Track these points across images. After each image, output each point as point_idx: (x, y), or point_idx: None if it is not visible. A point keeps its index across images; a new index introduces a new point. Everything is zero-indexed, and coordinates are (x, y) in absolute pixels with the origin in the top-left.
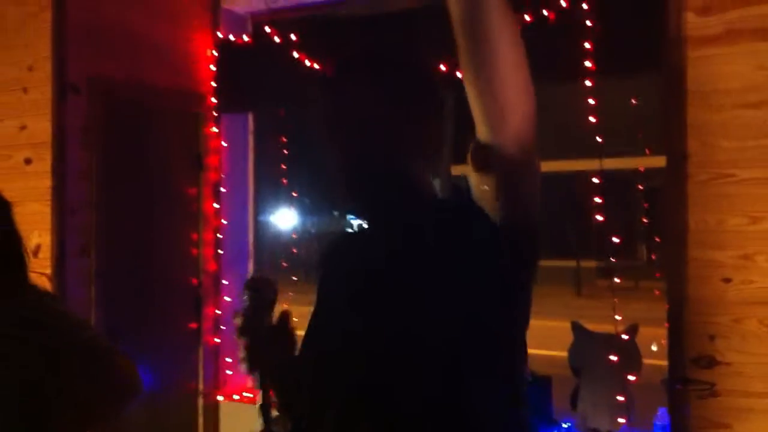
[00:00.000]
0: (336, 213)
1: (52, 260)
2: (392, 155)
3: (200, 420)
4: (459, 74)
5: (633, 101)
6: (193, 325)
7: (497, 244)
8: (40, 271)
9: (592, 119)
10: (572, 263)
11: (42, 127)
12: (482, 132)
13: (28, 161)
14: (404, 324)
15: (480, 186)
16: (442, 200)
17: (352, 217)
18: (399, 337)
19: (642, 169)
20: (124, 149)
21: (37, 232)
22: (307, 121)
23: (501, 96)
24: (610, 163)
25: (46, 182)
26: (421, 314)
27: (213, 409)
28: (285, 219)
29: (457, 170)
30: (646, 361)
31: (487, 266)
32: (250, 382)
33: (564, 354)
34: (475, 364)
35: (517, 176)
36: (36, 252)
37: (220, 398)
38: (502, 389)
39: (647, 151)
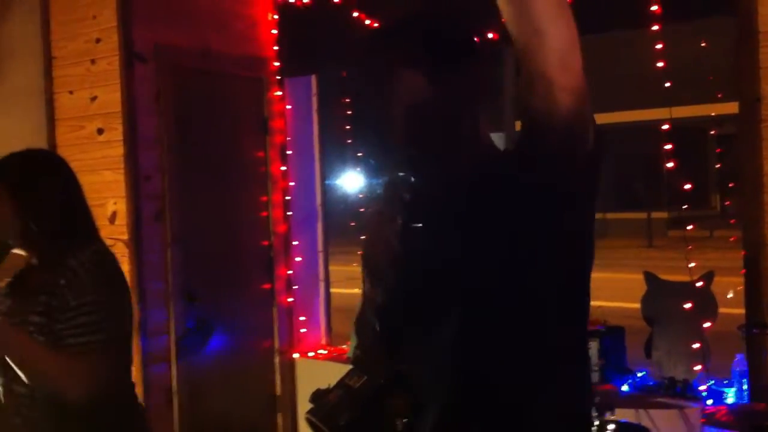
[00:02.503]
0: (401, 174)
1: (128, 226)
2: (454, 112)
3: (277, 377)
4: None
5: (703, 45)
6: (266, 286)
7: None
8: (118, 237)
9: (660, 65)
10: (642, 215)
11: (112, 97)
12: (520, 59)
13: (100, 131)
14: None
15: None
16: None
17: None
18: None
19: (714, 114)
20: (193, 116)
21: (112, 200)
22: (369, 81)
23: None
24: (681, 111)
25: (119, 150)
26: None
27: (289, 367)
28: (351, 180)
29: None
30: (722, 309)
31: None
32: (323, 340)
33: (636, 306)
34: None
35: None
36: (113, 219)
37: (295, 356)
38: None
39: (719, 96)
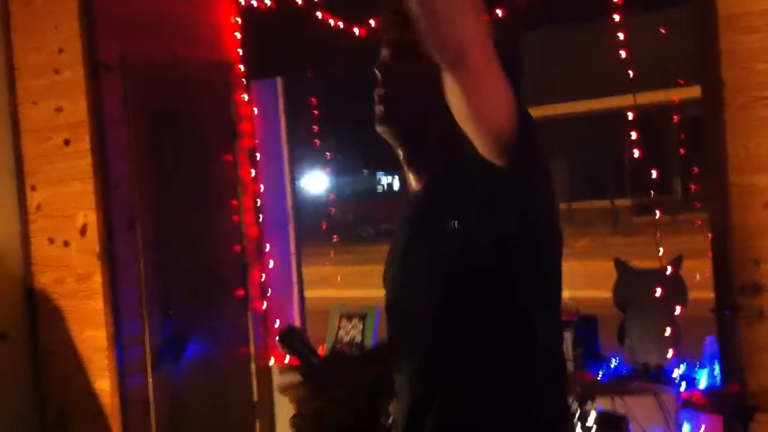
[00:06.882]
0: (365, 171)
1: (100, 237)
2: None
3: (254, 384)
4: None
5: (662, 32)
6: (240, 292)
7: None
8: (90, 249)
9: (622, 54)
10: (606, 204)
11: (78, 107)
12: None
13: (67, 142)
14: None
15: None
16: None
17: (381, 174)
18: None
19: (677, 99)
20: (161, 123)
21: (82, 212)
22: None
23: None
24: (644, 98)
25: (87, 161)
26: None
27: (265, 373)
28: (321, 180)
29: None
30: (689, 293)
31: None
32: None
33: (607, 294)
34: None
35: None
36: (83, 231)
37: (271, 362)
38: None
39: (681, 82)
